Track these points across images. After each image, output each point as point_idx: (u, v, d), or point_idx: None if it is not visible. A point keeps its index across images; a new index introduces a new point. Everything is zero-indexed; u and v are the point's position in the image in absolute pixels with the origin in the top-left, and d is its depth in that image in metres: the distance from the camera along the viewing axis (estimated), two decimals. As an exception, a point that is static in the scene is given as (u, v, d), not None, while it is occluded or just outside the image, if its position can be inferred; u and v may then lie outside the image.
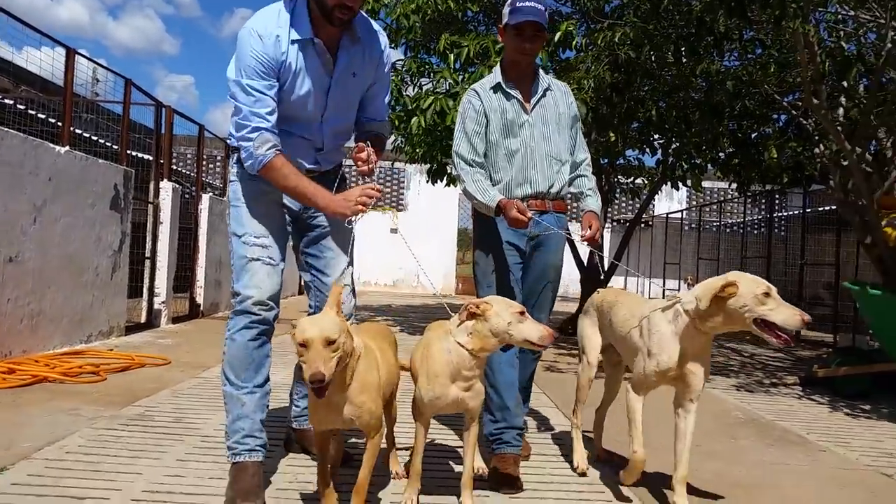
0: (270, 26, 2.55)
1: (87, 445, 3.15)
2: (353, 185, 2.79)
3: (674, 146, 9.43)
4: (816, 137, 7.95)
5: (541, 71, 3.25)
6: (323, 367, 2.02)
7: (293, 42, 2.56)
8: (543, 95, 3.19)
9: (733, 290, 2.48)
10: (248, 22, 2.58)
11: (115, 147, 8.05)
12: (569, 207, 3.37)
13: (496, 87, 3.15)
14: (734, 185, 10.32)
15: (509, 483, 2.83)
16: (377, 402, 2.32)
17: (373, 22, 2.83)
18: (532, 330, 2.37)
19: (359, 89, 2.79)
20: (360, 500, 2.33)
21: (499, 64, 3.25)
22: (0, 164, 4.97)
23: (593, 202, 3.19)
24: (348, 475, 2.61)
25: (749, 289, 2.48)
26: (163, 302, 8.10)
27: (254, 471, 2.57)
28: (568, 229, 3.26)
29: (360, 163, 2.63)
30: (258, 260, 2.65)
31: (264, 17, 2.59)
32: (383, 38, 2.82)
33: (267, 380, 2.69)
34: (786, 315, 2.45)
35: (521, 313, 2.38)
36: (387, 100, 2.98)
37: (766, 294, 2.46)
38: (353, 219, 2.60)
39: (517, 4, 3.02)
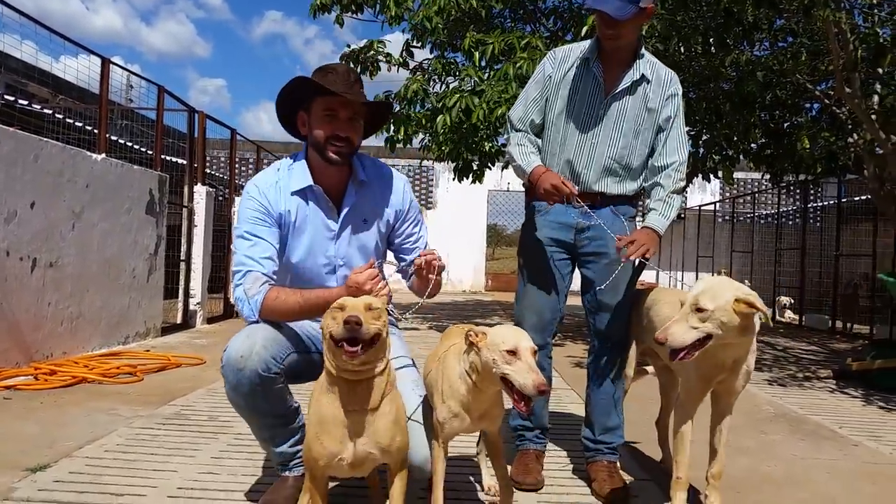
0: (270, 178, 2.52)
1: (126, 444, 3.26)
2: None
3: (704, 138, 9.33)
4: (850, 126, 7.81)
5: (644, 57, 2.76)
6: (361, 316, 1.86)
7: (293, 193, 2.49)
8: (631, 89, 2.74)
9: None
10: (251, 180, 2.54)
11: (150, 153, 8.25)
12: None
13: (585, 62, 2.76)
14: (767, 176, 10.18)
15: (530, 482, 2.83)
16: (407, 433, 2.07)
17: (384, 164, 2.70)
18: (519, 375, 1.98)
19: (374, 235, 2.62)
20: None
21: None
22: (40, 173, 5.14)
23: (655, 218, 2.69)
24: None
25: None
26: (198, 303, 8.27)
27: (291, 483, 2.48)
28: (627, 221, 2.85)
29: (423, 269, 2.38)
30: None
31: (265, 173, 2.57)
32: (397, 179, 2.67)
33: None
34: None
35: (511, 352, 1.99)
36: (423, 234, 2.75)
37: (690, 303, 2.24)
38: None
39: None
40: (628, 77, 2.73)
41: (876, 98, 6.94)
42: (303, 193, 2.51)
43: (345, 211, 2.55)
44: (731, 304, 2.19)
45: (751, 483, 3.01)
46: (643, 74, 2.75)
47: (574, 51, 2.82)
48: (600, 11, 2.58)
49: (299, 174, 2.52)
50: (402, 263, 2.72)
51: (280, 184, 2.51)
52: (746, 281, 14.02)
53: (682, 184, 2.80)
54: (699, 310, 2.21)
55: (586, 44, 2.82)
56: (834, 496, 2.96)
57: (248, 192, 2.51)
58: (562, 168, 2.80)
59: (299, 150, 2.62)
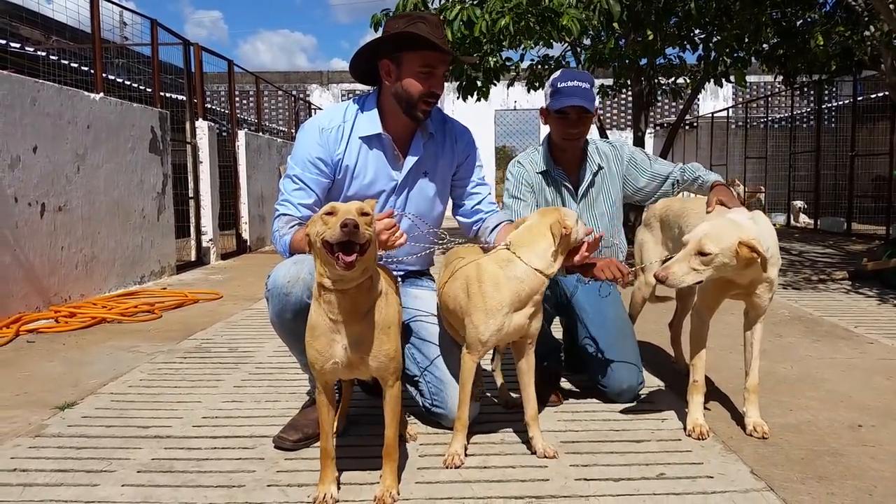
0: (334, 120, 2.47)
1: (149, 379, 3.33)
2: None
3: (715, 40, 9.03)
4: (866, 18, 7.51)
5: (590, 146, 2.95)
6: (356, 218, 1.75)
7: (359, 138, 2.46)
8: (592, 183, 2.94)
9: None
10: (315, 115, 2.48)
11: (149, 90, 8.12)
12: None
13: (545, 174, 2.93)
14: (780, 78, 9.89)
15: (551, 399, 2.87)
16: (398, 342, 2.00)
17: (449, 116, 2.69)
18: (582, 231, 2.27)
19: (435, 189, 2.61)
20: (392, 465, 2.01)
21: (545, 142, 2.98)
22: (40, 116, 5.07)
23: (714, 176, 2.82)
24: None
25: None
26: (210, 240, 8.31)
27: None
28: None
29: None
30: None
31: (330, 111, 2.53)
32: (461, 132, 2.66)
33: None
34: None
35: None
36: (482, 175, 2.75)
37: None
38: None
39: (559, 85, 2.76)
40: (588, 171, 2.94)
41: (894, -14, 6.63)
42: (369, 140, 2.48)
43: (410, 163, 2.53)
44: (734, 247, 2.21)
45: (766, 385, 3.02)
46: (599, 165, 2.94)
47: (534, 161, 2.95)
48: (572, 108, 2.71)
49: (369, 120, 2.49)
50: (462, 219, 2.73)
51: (344, 127, 2.47)
52: (762, 186, 13.89)
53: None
54: (702, 253, 2.22)
55: (535, 155, 2.96)
56: (848, 392, 2.98)
57: (308, 131, 2.48)
58: None
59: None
